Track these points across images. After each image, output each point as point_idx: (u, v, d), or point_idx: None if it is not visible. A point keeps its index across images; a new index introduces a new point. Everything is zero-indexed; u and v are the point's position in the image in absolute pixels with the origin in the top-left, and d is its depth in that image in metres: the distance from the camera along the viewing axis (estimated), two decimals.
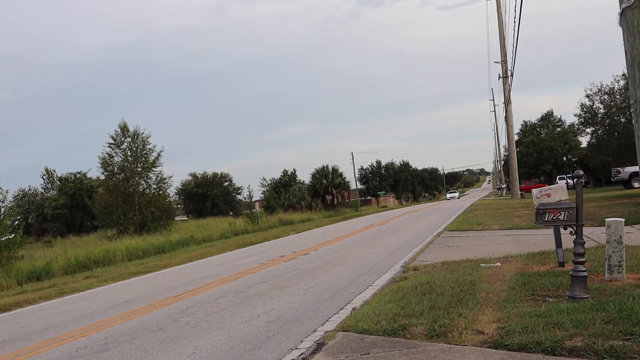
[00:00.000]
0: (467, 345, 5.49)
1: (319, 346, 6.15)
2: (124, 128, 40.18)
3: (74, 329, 9.11)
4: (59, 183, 59.97)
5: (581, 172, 6.94)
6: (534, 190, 8.93)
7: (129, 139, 40.31)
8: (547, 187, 8.96)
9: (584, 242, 6.82)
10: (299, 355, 5.88)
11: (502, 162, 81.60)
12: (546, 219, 7.11)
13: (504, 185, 75.17)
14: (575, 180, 6.87)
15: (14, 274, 20.02)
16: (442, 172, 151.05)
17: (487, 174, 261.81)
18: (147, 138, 40.80)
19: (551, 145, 67.39)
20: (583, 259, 6.69)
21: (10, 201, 26.13)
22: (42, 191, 64.04)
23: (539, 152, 68.17)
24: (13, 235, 24.28)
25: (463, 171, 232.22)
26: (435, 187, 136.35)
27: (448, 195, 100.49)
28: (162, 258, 23.11)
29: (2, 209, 23.76)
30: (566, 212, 6.95)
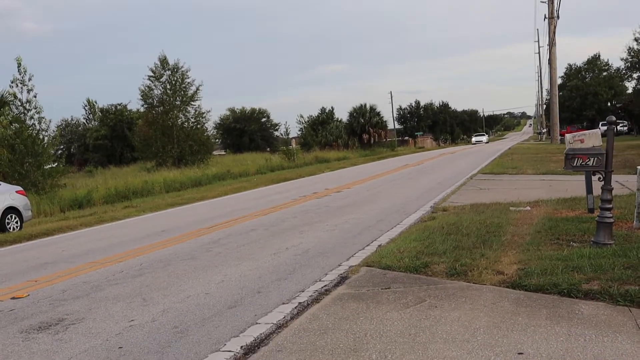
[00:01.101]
0: (485, 284, 5.62)
1: (342, 279, 6.36)
2: (163, 61, 40.30)
3: (112, 255, 9.53)
4: (100, 114, 60.93)
5: (613, 118, 6.85)
6: (567, 136, 8.86)
7: (168, 72, 40.48)
8: (580, 132, 8.87)
9: (612, 188, 6.79)
10: (322, 287, 6.10)
11: (544, 106, 79.78)
12: (575, 164, 7.09)
13: (545, 130, 73.74)
14: (607, 126, 6.80)
15: (57, 201, 20.76)
16: (482, 114, 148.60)
17: (529, 117, 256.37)
18: (187, 72, 40.91)
19: (596, 90, 65.37)
20: (610, 206, 6.68)
21: (53, 131, 26.66)
22: (84, 122, 65.28)
23: (582, 96, 66.30)
24: (56, 164, 24.94)
25: (504, 114, 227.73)
26: (475, 130, 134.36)
27: (474, 139, 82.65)
28: (198, 191, 23.62)
29: (46, 139, 24.30)
30: (595, 158, 6.92)
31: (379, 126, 66.66)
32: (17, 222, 15.06)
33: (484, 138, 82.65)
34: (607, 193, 6.75)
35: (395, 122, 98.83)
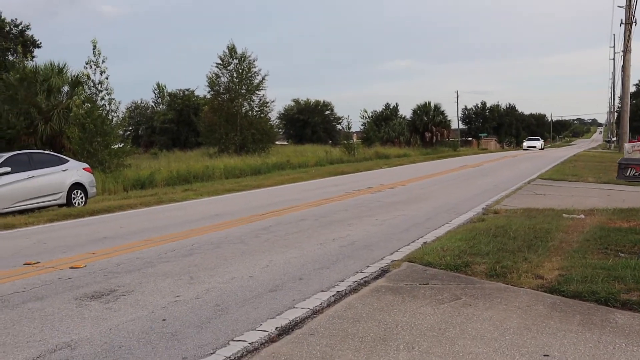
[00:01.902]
0: (523, 287, 5.65)
1: (382, 272, 6.49)
2: (232, 50, 41.01)
3: (166, 234, 9.93)
4: (168, 98, 62.45)
5: None
6: (626, 145, 8.74)
7: (235, 61, 41.18)
8: None
9: None
10: (362, 278, 6.25)
11: (616, 114, 77.11)
12: (628, 174, 7.03)
13: (614, 139, 71.31)
14: None
15: (121, 180, 21.55)
16: (549, 119, 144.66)
17: (600, 125, 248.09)
18: (254, 61, 41.50)
19: None
20: None
21: (122, 112, 27.63)
22: (153, 105, 67.05)
23: None
24: (122, 144, 25.82)
25: (573, 120, 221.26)
26: (541, 134, 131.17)
27: (525, 144, 69.49)
28: (256, 179, 24.07)
29: (115, 119, 25.21)
30: None
31: (442, 125, 65.96)
32: (82, 198, 15.76)
33: (538, 143, 68.89)
34: None
35: (460, 122, 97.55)
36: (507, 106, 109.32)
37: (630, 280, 5.56)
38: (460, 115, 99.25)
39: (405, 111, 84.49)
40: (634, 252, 6.97)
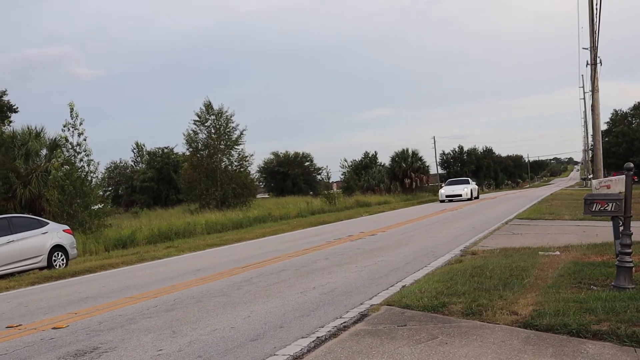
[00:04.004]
0: (498, 324, 5.79)
1: (362, 317, 6.60)
2: (208, 106, 41.58)
3: (148, 291, 9.98)
4: (147, 157, 62.71)
5: (631, 165, 7.00)
6: (594, 181, 9.00)
7: (213, 117, 41.69)
8: (607, 178, 8.99)
9: (631, 233, 6.93)
10: (342, 323, 6.35)
11: (590, 152, 78.64)
12: (594, 209, 7.23)
13: (590, 176, 72.52)
14: (626, 173, 6.94)
15: (102, 240, 21.52)
16: (527, 160, 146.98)
17: (576, 163, 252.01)
18: (231, 116, 42.06)
19: None
20: (629, 250, 6.82)
21: (101, 172, 27.78)
22: (132, 164, 67.21)
23: (629, 142, 65.40)
24: (103, 205, 25.84)
25: (550, 159, 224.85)
26: (519, 175, 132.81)
27: (443, 192, 41.03)
28: (238, 233, 24.12)
29: (94, 180, 25.30)
30: (614, 204, 7.05)
31: (420, 171, 66.80)
32: (63, 260, 15.71)
33: (466, 189, 40.22)
34: (627, 238, 6.90)
35: (439, 167, 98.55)
36: (484, 149, 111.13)
37: (600, 311, 5.74)
38: (438, 160, 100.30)
39: (384, 158, 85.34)
40: (606, 284, 7.16)
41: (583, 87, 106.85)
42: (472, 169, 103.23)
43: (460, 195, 39.38)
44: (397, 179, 65.23)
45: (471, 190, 40.29)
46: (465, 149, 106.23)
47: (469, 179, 47.05)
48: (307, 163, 76.95)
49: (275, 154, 75.76)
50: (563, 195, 36.99)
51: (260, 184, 71.04)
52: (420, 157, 67.56)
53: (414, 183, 64.95)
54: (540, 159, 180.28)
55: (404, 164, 65.91)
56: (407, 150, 67.25)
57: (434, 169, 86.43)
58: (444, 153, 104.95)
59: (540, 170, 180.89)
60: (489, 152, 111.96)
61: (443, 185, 44.50)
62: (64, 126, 24.56)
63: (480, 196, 45.02)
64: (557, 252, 10.31)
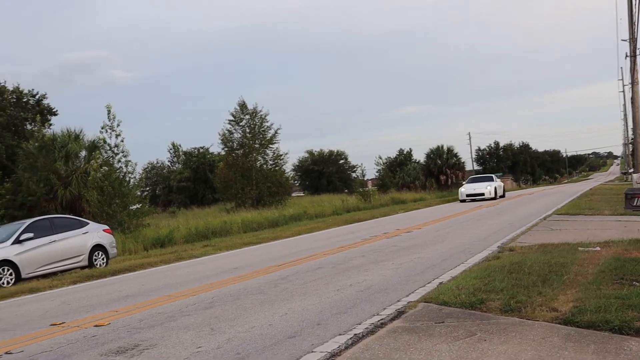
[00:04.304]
0: (537, 320, 5.73)
1: (399, 314, 6.60)
2: (242, 106, 41.81)
3: (186, 289, 10.12)
4: (183, 157, 63.43)
5: None
6: (634, 175, 8.84)
7: (247, 117, 41.94)
8: None
9: None
10: (379, 320, 6.36)
11: (630, 146, 76.92)
12: (635, 204, 7.12)
13: (631, 170, 70.92)
14: None
15: (140, 240, 21.86)
16: (564, 155, 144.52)
17: (616, 157, 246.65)
18: (265, 116, 42.24)
19: None
20: None
21: (139, 173, 28.19)
22: (169, 164, 68.06)
23: None
24: (141, 205, 26.23)
25: (589, 154, 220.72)
26: (557, 170, 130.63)
27: (464, 191, 36.52)
28: (274, 231, 24.25)
29: (132, 181, 25.71)
30: None
31: (456, 167, 66.11)
32: (103, 259, 16.04)
33: (488, 188, 35.88)
34: None
35: (474, 163, 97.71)
36: (521, 144, 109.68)
37: None
38: (474, 156, 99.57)
39: (419, 155, 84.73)
40: None
41: (622, 79, 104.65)
42: (509, 164, 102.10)
43: (483, 195, 35.25)
44: (433, 176, 64.69)
45: (495, 188, 36.07)
46: (502, 144, 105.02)
47: (492, 175, 44.15)
48: (341, 161, 77.03)
49: (310, 152, 76.04)
50: (602, 190, 36.28)
51: (295, 182, 71.33)
52: (456, 153, 66.84)
53: (449, 179, 64.31)
54: (578, 153, 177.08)
55: (439, 161, 65.31)
56: (442, 146, 66.62)
57: (470, 165, 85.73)
58: (479, 149, 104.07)
59: (579, 165, 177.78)
60: (525, 147, 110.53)
61: (464, 183, 40.56)
62: (102, 128, 25.07)
63: (515, 193, 44.20)
64: (598, 248, 10.13)
